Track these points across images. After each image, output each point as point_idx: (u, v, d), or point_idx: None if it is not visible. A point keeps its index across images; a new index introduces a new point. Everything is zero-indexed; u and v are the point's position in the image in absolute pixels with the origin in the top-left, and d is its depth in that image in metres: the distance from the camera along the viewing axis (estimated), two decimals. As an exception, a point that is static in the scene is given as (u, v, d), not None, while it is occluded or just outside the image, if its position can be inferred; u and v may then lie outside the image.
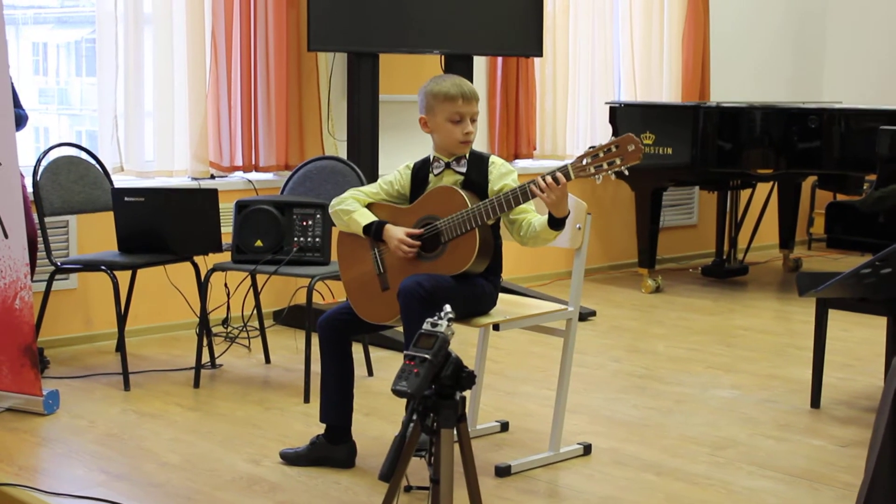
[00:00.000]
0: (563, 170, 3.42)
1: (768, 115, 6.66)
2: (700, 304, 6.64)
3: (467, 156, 3.70)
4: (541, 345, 5.32)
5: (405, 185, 3.77)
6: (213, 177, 5.84)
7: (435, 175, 3.72)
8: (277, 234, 4.67)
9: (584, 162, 3.40)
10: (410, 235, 3.61)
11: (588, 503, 3.49)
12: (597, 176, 3.40)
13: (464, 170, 3.68)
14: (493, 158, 3.71)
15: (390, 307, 3.62)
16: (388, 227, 3.66)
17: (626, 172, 3.41)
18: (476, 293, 3.64)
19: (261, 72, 5.92)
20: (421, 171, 3.75)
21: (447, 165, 3.69)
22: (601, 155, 3.38)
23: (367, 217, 3.72)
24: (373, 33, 5.78)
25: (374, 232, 3.68)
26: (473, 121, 3.67)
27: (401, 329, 3.66)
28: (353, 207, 3.74)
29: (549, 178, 3.41)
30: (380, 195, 3.78)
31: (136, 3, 5.58)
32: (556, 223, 3.49)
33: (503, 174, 3.66)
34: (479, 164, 3.69)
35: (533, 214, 3.62)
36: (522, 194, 3.47)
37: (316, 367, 4.00)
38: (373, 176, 5.55)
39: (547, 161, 7.29)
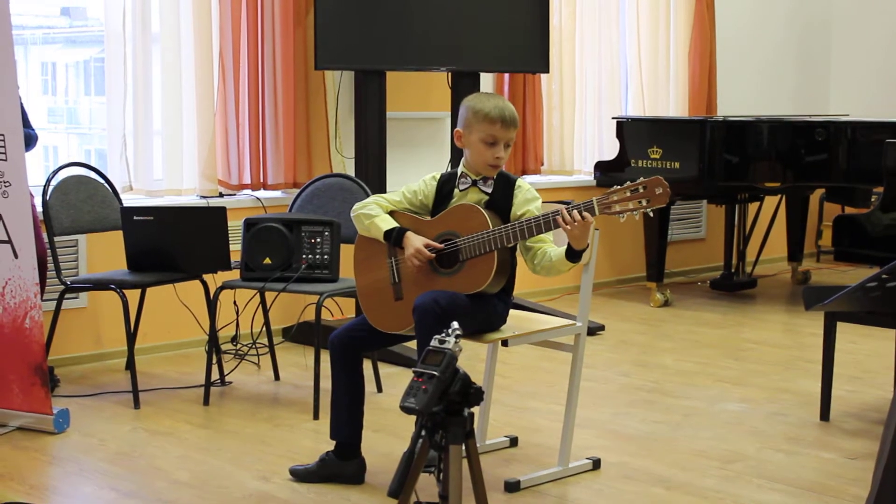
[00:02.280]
0: (589, 205, 3.42)
1: (775, 128, 6.67)
2: (709, 318, 6.64)
3: (495, 176, 3.70)
4: (549, 360, 5.32)
5: (429, 196, 3.77)
6: (221, 195, 5.86)
7: (460, 190, 3.71)
8: (286, 252, 4.68)
9: (611, 199, 3.40)
10: (429, 248, 3.61)
11: (597, 518, 3.49)
12: (622, 214, 3.40)
13: (489, 190, 3.68)
14: (521, 183, 3.71)
15: (401, 317, 3.63)
16: (409, 234, 3.65)
17: (651, 214, 3.43)
18: (489, 312, 3.65)
19: (268, 90, 5.94)
20: (447, 185, 3.75)
21: (474, 183, 3.69)
22: (628, 194, 3.37)
23: (390, 223, 3.71)
24: (380, 51, 5.80)
25: (394, 238, 3.68)
26: (507, 147, 3.67)
27: (409, 345, 3.67)
28: (375, 212, 3.74)
29: (574, 213, 3.41)
30: (402, 204, 3.78)
31: (143, 23, 5.61)
32: (573, 255, 3.50)
33: (528, 200, 3.66)
34: (505, 187, 3.68)
35: (549, 245, 3.62)
36: (545, 224, 3.46)
37: (325, 383, 4.01)
38: (381, 192, 5.56)
39: (554, 176, 7.31)
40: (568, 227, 3.41)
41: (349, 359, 3.74)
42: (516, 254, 3.71)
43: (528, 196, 3.67)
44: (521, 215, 3.60)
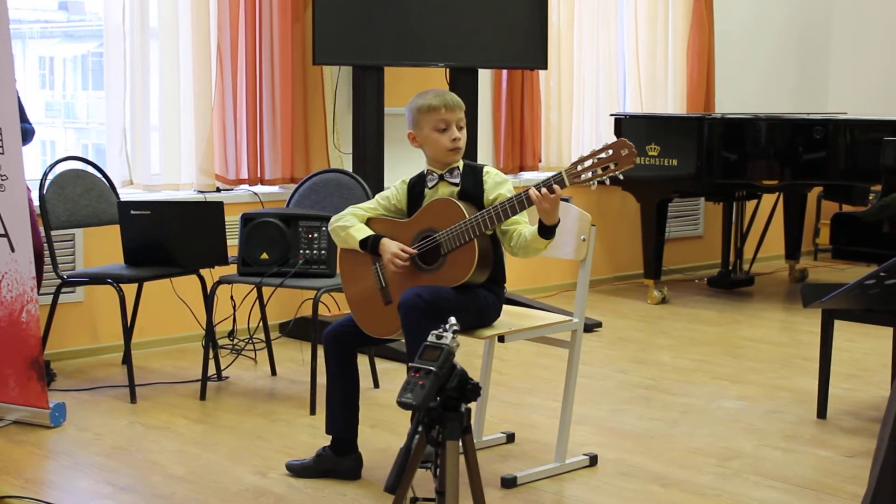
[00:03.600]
0: (558, 177, 3.43)
1: (773, 126, 6.67)
2: (706, 315, 6.64)
3: (461, 167, 3.71)
4: (546, 356, 5.32)
5: (402, 200, 3.79)
6: (218, 190, 5.85)
7: (430, 188, 3.73)
8: (283, 247, 4.67)
9: (579, 168, 3.41)
10: (403, 251, 3.63)
11: (594, 514, 3.50)
12: (592, 182, 3.41)
13: (458, 181, 3.70)
14: (488, 168, 3.73)
15: (393, 321, 3.63)
16: (384, 241, 3.68)
17: (621, 177, 3.42)
18: (478, 304, 3.65)
19: (266, 85, 5.94)
20: (417, 186, 3.77)
21: (441, 178, 3.71)
22: (595, 161, 3.39)
23: (364, 232, 3.73)
24: (378, 47, 5.79)
25: (370, 246, 3.69)
26: (460, 128, 3.69)
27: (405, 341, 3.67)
28: (350, 223, 3.76)
29: (543, 189, 3.42)
30: (378, 210, 3.80)
31: (142, 17, 5.60)
32: (546, 231, 3.50)
33: (498, 184, 3.67)
34: (473, 175, 3.71)
35: (524, 225, 3.63)
36: (519, 203, 3.48)
37: (322, 379, 4.01)
38: (378, 188, 5.55)
39: (552, 173, 7.28)
40: (539, 202, 3.41)
41: (344, 354, 3.75)
42: (500, 244, 3.71)
43: (498, 179, 3.70)
44: (494, 199, 3.62)
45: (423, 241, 3.64)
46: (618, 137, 6.95)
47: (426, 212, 3.68)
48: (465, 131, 3.71)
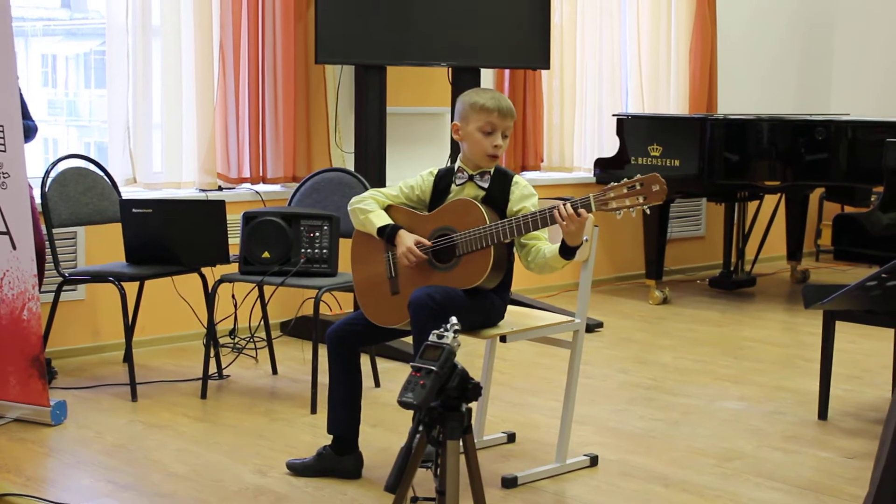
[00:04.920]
0: (586, 201, 3.41)
1: (775, 127, 6.66)
2: (707, 316, 6.63)
3: (492, 171, 3.70)
4: (548, 356, 5.32)
5: (426, 191, 3.76)
6: (220, 188, 5.85)
7: (457, 185, 3.71)
8: (285, 246, 4.67)
9: (608, 196, 3.40)
10: (419, 245, 3.62)
11: (594, 515, 3.49)
12: (618, 212, 3.40)
13: (486, 185, 3.67)
14: (518, 179, 3.71)
15: (398, 312, 3.63)
16: (402, 232, 3.66)
17: (648, 212, 3.43)
18: (486, 307, 3.65)
19: (268, 84, 5.94)
20: (444, 180, 3.75)
21: (470, 178, 3.69)
22: (625, 191, 3.37)
23: (384, 219, 3.71)
24: (380, 46, 5.79)
25: (387, 235, 3.68)
26: (505, 136, 3.67)
27: (407, 340, 3.67)
28: (371, 207, 3.74)
29: (570, 209, 3.41)
30: (399, 198, 3.78)
31: (144, 16, 5.60)
32: (567, 252, 3.50)
33: (524, 196, 3.66)
34: (502, 182, 3.68)
35: (544, 242, 3.62)
36: (542, 220, 3.46)
37: (323, 378, 4.01)
38: (380, 187, 5.56)
39: (554, 173, 7.30)
40: (564, 223, 3.41)
41: (346, 353, 3.74)
42: (513, 250, 3.70)
43: (525, 192, 3.67)
44: (518, 211, 3.60)
45: (439, 239, 3.63)
46: (620, 137, 7.04)
47: (447, 210, 3.66)
48: (507, 141, 3.70)
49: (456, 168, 3.73)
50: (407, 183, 3.79)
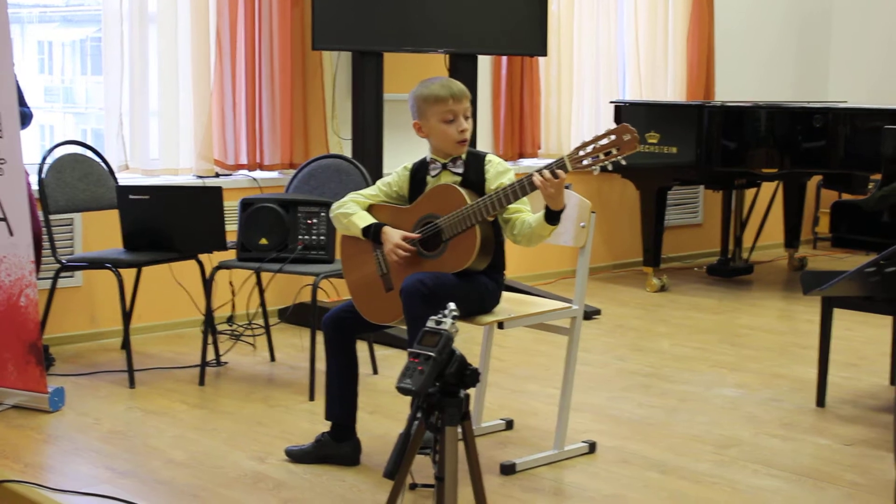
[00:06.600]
0: (560, 162, 3.42)
1: (773, 114, 6.66)
2: (705, 303, 6.64)
3: (464, 156, 3.69)
4: (545, 343, 5.32)
5: (403, 187, 3.77)
6: (217, 175, 5.85)
7: (432, 177, 3.71)
8: (282, 233, 4.67)
9: (581, 153, 3.40)
10: (406, 239, 3.61)
11: (592, 501, 3.49)
12: (594, 167, 3.40)
13: (461, 170, 3.67)
14: (490, 157, 3.71)
15: (394, 307, 3.62)
16: (386, 229, 3.67)
17: (624, 163, 3.41)
18: (479, 290, 3.64)
19: (265, 70, 5.93)
20: (419, 173, 3.76)
21: (444, 167, 3.69)
22: (597, 146, 3.38)
23: (366, 219, 3.72)
24: (377, 32, 5.78)
25: (372, 234, 3.68)
26: (467, 118, 3.67)
27: (405, 328, 3.67)
28: (352, 210, 3.75)
29: (546, 172, 3.41)
30: (379, 197, 3.79)
31: (140, 2, 5.58)
32: (552, 217, 3.49)
33: (500, 172, 3.66)
34: (475, 164, 3.69)
35: (527, 213, 3.61)
36: (521, 188, 3.46)
37: (321, 364, 4.01)
38: (377, 174, 5.55)
39: (551, 160, 7.28)
40: (543, 187, 3.40)
41: (343, 340, 3.75)
42: (501, 232, 3.70)
43: (500, 168, 3.68)
44: (496, 188, 3.59)
45: (424, 227, 3.63)
46: (617, 125, 7.01)
47: (427, 198, 3.67)
48: (471, 121, 3.70)
49: (428, 161, 3.73)
50: (384, 181, 3.81)
